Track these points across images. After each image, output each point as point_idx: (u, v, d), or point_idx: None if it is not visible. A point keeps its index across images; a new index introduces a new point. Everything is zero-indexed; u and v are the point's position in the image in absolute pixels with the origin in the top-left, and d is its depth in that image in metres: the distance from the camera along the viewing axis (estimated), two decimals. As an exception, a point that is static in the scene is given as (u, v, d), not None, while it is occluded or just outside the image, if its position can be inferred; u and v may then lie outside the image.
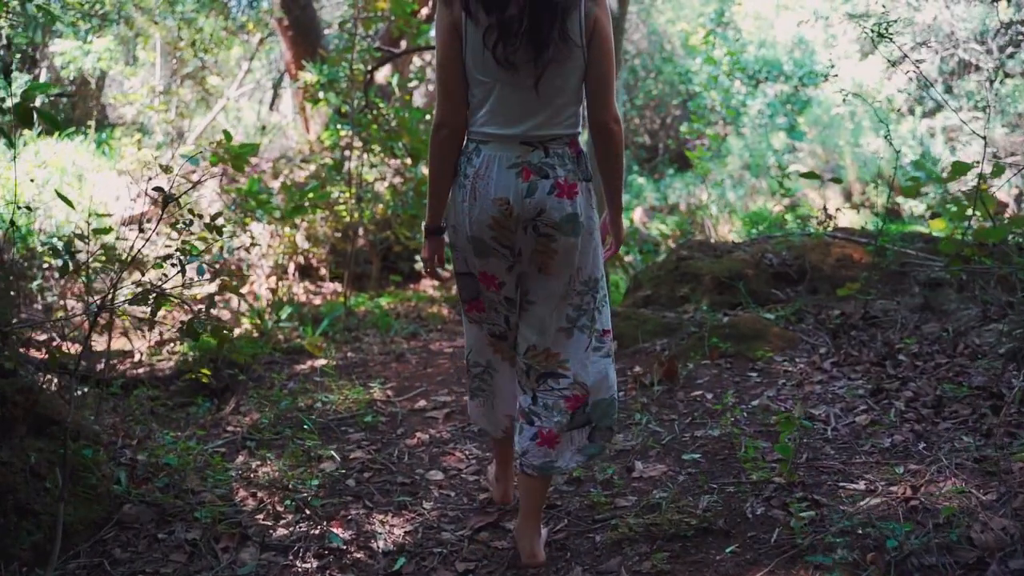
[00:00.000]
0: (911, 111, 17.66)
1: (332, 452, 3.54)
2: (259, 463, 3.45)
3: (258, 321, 6.24)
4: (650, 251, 13.84)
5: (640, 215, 14.53)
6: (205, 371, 3.99)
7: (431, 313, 7.17)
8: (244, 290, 9.59)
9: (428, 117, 7.53)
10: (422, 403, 4.19)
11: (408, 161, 7.66)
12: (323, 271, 10.21)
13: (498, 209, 2.24)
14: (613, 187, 2.43)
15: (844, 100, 4.81)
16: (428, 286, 10.73)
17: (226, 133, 5.66)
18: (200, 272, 3.29)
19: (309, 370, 5.27)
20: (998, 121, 18.24)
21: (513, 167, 2.23)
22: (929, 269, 4.54)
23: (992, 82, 18.34)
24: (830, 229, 5.41)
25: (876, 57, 17.81)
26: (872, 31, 4.57)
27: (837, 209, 5.69)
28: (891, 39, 4.69)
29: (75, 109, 13.56)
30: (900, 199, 15.02)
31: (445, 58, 2.24)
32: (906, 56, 5.45)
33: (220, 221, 3.51)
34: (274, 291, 9.05)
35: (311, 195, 6.25)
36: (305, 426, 3.82)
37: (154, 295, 3.02)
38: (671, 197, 15.55)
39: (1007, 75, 17.98)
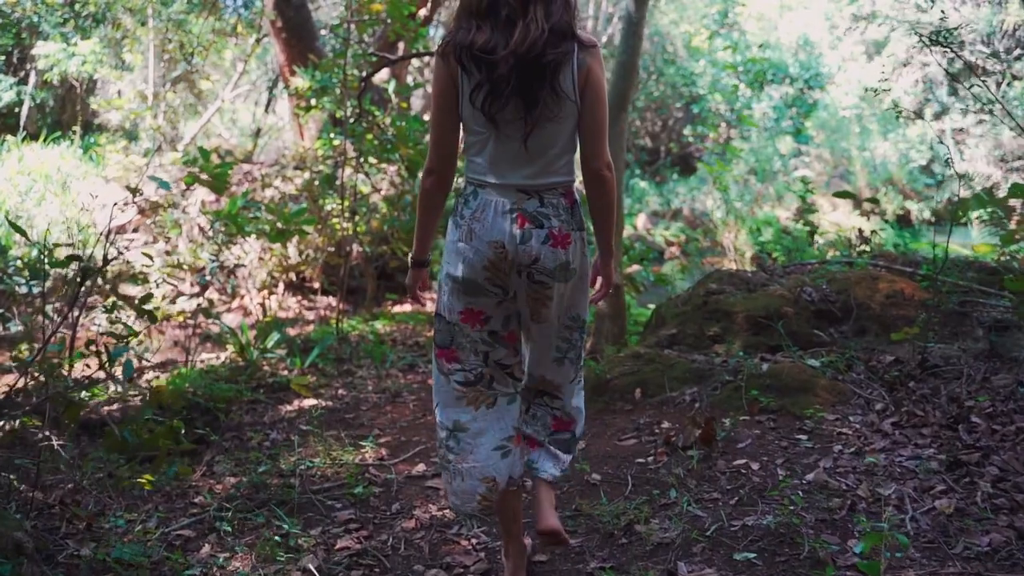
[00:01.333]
0: (918, 115, 17.07)
1: (314, 540, 2.94)
2: (227, 555, 2.85)
3: (242, 351, 5.63)
4: (655, 258, 13.26)
5: (644, 221, 13.94)
6: (147, 476, 3.34)
7: (429, 339, 6.56)
8: (234, 305, 9.02)
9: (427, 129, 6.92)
10: (421, 467, 3.59)
11: (405, 173, 7.08)
12: (316, 284, 9.61)
13: (494, 252, 2.25)
14: (605, 232, 2.42)
15: (898, 117, 4.23)
16: (427, 300, 10.13)
17: (203, 151, 5.07)
18: (127, 372, 2.66)
19: (296, 412, 4.68)
20: (1006, 125, 17.64)
21: (508, 213, 2.25)
22: (993, 309, 3.95)
23: (999, 84, 17.77)
24: (867, 257, 4.82)
25: (882, 59, 17.21)
26: (930, 39, 3.98)
27: (872, 231, 5.09)
28: (951, 47, 4.11)
29: (63, 113, 12.93)
30: (909, 204, 14.48)
31: (439, 109, 2.26)
32: (969, 64, 4.83)
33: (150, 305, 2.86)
34: (264, 307, 8.48)
35: (299, 217, 5.64)
36: (284, 502, 3.22)
37: (66, 404, 2.39)
38: (674, 202, 14.96)
39: (1015, 78, 17.39)
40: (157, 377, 6.00)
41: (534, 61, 2.11)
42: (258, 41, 13.72)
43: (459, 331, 2.37)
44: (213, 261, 5.81)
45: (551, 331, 2.41)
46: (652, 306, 8.00)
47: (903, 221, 13.63)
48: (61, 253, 8.19)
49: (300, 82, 7.59)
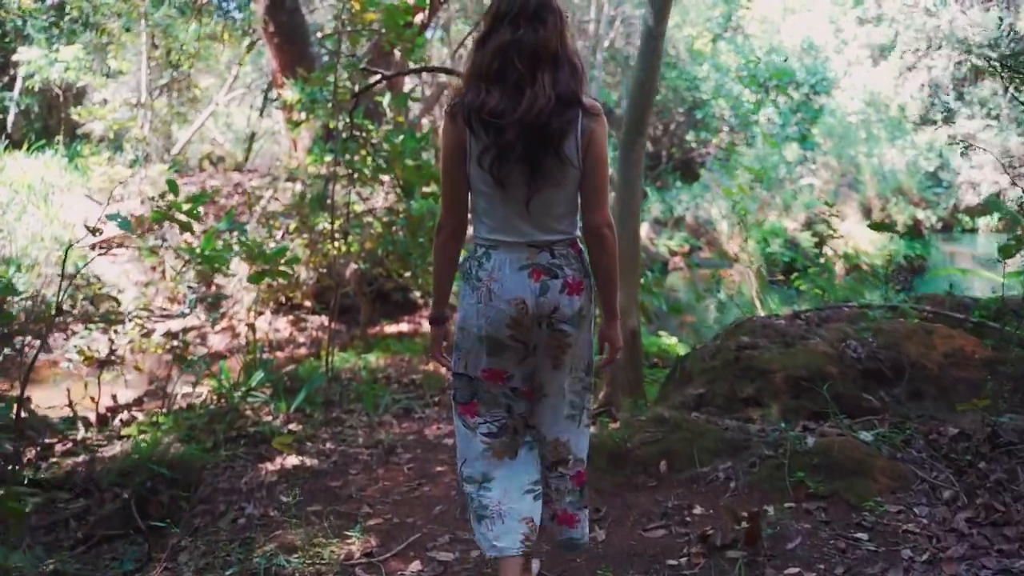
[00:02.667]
0: (924, 120, 16.50)
1: None
2: None
3: (222, 396, 5.07)
4: (660, 271, 12.70)
5: (647, 230, 13.35)
6: None
7: (427, 374, 6.00)
8: (223, 325, 8.46)
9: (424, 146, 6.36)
10: (415, 566, 3.03)
11: (400, 192, 6.50)
12: (308, 303, 9.05)
13: (515, 309, 2.25)
14: (608, 292, 2.40)
15: (963, 153, 3.67)
16: (423, 318, 9.56)
17: (171, 183, 4.48)
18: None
19: (277, 474, 4.12)
20: (1013, 130, 17.08)
21: (524, 268, 2.25)
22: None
23: (1007, 89, 17.19)
24: (912, 301, 4.28)
25: (888, 63, 16.63)
26: (1002, 64, 3.43)
27: (920, 259, 4.44)
28: (1019, 73, 3.56)
29: (49, 119, 12.32)
30: (920, 213, 13.91)
31: (448, 167, 2.26)
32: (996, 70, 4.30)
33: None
34: (252, 327, 7.95)
35: (280, 256, 5.06)
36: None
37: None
38: (676, 209, 14.37)
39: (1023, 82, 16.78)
40: (132, 420, 5.45)
41: (541, 129, 2.11)
42: (252, 45, 13.11)
43: (481, 386, 2.37)
44: (193, 292, 5.23)
45: (566, 382, 2.39)
46: (663, 335, 7.47)
47: (913, 231, 13.06)
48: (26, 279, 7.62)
49: (290, 94, 7.03)
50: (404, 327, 9.32)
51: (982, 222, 16.76)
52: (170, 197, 4.11)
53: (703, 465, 3.38)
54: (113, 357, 5.88)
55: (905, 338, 3.70)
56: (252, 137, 15.65)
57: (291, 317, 8.79)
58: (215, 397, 5.38)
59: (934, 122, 16.59)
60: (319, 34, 11.34)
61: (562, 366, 2.35)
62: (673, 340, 7.17)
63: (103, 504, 4.00)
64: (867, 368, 3.63)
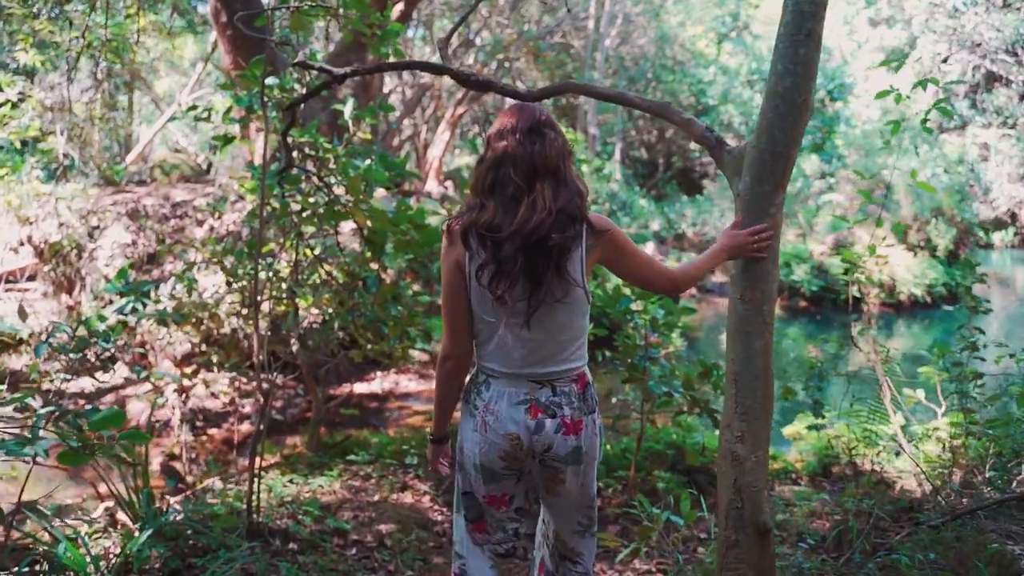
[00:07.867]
0: (941, 128, 14.55)
1: None
2: None
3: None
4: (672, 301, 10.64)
5: (652, 249, 11.29)
6: None
7: (401, 518, 3.82)
8: (146, 388, 6.30)
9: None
10: None
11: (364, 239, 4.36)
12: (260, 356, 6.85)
13: (508, 443, 2.09)
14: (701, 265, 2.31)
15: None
16: (400, 374, 7.42)
17: None
18: None
19: None
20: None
21: (521, 404, 2.08)
22: None
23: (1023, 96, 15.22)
24: None
25: (906, 68, 14.64)
26: None
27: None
28: None
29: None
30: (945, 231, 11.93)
31: (449, 293, 2.10)
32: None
33: None
34: (185, 392, 5.85)
35: (111, 424, 2.91)
36: None
37: None
38: (680, 225, 12.29)
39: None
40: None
41: (540, 243, 1.95)
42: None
43: (487, 511, 2.20)
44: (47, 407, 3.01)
45: (571, 507, 2.22)
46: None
47: (952, 256, 11.08)
48: None
49: (217, 101, 4.88)
50: (377, 386, 7.18)
51: (996, 236, 14.88)
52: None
53: None
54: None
55: None
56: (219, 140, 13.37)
57: (234, 376, 6.61)
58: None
59: (948, 130, 14.61)
60: (273, 13, 9.11)
61: (557, 494, 2.17)
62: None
63: None
64: None
